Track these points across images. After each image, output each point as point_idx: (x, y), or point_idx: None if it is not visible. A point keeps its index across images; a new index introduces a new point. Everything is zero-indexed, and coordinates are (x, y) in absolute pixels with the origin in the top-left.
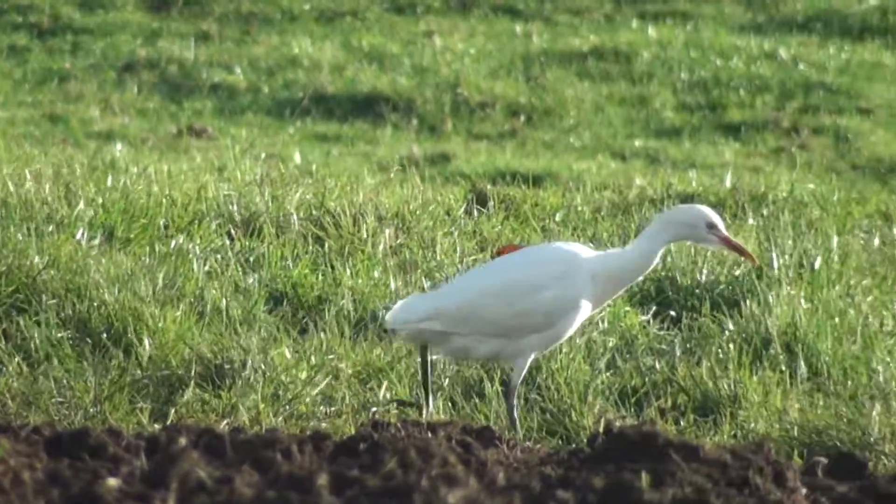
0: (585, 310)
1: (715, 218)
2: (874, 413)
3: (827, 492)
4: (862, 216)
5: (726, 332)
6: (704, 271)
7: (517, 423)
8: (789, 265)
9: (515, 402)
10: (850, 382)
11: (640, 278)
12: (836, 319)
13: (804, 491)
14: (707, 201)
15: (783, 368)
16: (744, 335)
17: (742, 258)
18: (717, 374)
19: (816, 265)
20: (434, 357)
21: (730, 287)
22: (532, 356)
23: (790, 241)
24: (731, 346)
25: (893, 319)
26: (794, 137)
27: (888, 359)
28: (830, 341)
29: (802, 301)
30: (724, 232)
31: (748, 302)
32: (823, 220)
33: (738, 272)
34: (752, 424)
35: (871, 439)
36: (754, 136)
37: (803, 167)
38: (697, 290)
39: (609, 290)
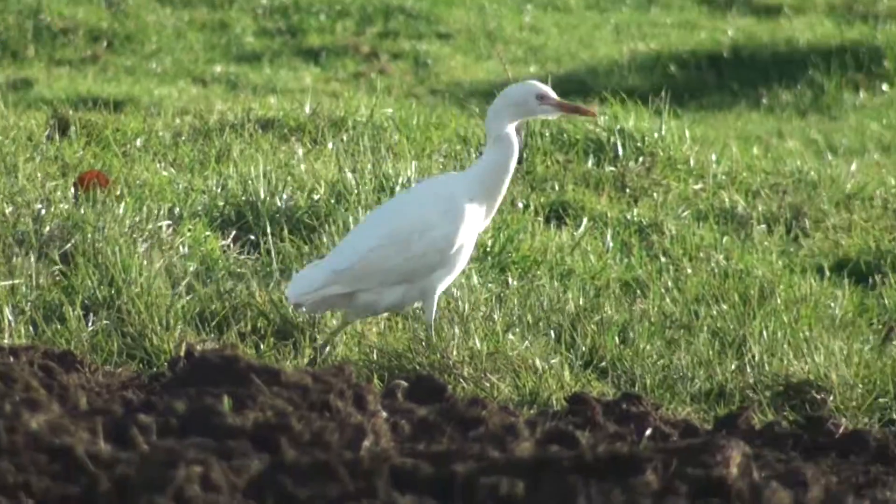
0: (475, 232)
1: (543, 88)
2: (453, 337)
3: (407, 415)
4: (441, 140)
5: (305, 257)
6: (284, 196)
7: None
8: (369, 189)
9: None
10: None
11: (514, 169)
12: None
13: (384, 414)
14: (287, 126)
15: None
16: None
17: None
18: None
19: (396, 190)
20: (343, 318)
21: (309, 212)
22: (439, 290)
23: (370, 166)
24: None
25: (478, 245)
26: (374, 62)
27: (468, 283)
28: None
29: None
30: (556, 98)
31: (328, 227)
32: (403, 144)
33: (317, 197)
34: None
35: (450, 362)
36: (334, 62)
37: (383, 92)
38: (277, 215)
39: (492, 195)
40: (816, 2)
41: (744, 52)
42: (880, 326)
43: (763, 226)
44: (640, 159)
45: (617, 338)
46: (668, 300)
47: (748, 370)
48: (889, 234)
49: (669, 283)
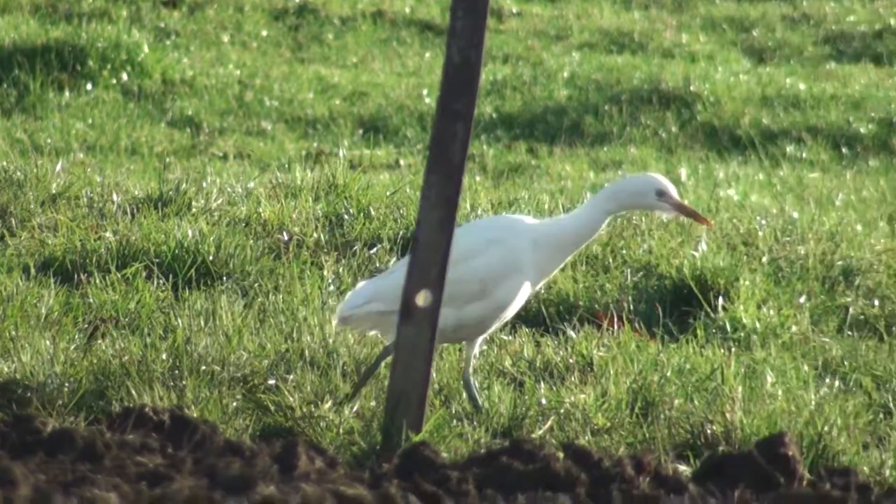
0: (527, 277)
1: (665, 184)
2: None
3: None
4: None
5: None
6: None
7: (476, 399)
8: None
9: (472, 379)
10: None
11: (583, 247)
12: None
13: None
14: None
15: None
16: None
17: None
18: None
19: None
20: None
21: None
22: (483, 331)
23: None
24: None
25: None
26: None
27: None
28: None
29: None
30: (676, 197)
31: None
32: None
33: None
34: None
35: None
36: None
37: None
38: None
39: (553, 258)
40: (21, 1)
41: None
42: (86, 325)
43: None
44: None
45: None
46: None
47: None
48: (94, 232)
49: None
